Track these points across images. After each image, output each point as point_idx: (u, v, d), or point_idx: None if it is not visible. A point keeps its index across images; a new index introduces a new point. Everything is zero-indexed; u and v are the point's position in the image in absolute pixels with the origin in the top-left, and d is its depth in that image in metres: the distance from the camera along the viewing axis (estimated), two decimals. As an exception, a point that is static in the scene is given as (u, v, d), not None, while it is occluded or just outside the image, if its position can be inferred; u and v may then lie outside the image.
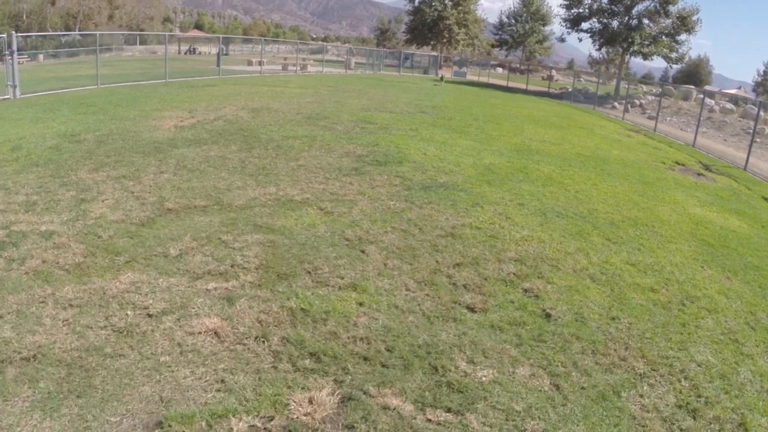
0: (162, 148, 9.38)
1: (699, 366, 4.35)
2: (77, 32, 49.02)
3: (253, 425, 3.32)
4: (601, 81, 38.48)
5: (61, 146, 9.32)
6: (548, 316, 4.80)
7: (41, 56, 38.86)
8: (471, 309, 4.76)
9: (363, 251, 5.77)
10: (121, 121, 11.65)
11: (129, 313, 4.40)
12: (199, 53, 57.47)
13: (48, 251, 5.42)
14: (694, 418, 3.73)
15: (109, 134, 10.33)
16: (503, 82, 44.44)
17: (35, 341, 4.01)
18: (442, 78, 37.27)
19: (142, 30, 63.98)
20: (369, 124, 12.65)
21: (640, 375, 4.13)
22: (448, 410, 3.52)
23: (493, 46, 73.43)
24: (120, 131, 10.63)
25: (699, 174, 13.93)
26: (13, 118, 11.91)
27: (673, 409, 3.79)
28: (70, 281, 4.87)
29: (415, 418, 3.43)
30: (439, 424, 3.40)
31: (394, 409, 3.48)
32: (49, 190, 7.10)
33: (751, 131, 18.86)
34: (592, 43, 43.27)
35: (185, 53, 55.79)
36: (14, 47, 15.21)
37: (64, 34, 44.68)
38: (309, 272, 5.23)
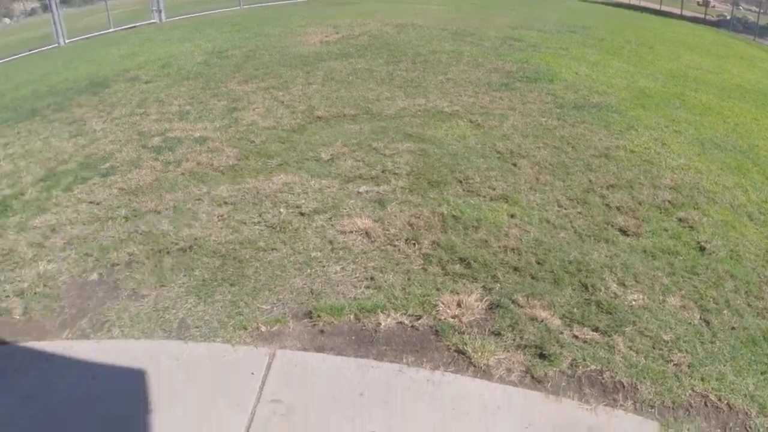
0: (309, 62, 9.57)
1: None
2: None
3: (400, 322, 3.43)
4: (762, 11, 33.98)
5: (210, 61, 9.79)
6: (702, 249, 4.47)
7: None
8: (624, 232, 4.54)
9: (515, 164, 5.66)
10: (266, 38, 11.99)
11: (282, 210, 4.64)
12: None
13: (202, 155, 5.77)
14: None
15: (256, 50, 10.69)
16: (656, 5, 40.77)
17: (191, 234, 4.34)
18: None
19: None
20: (517, 41, 12.09)
21: (797, 325, 3.76)
22: (596, 329, 3.43)
23: (646, -34, 67.29)
24: (266, 47, 10.96)
25: None
26: (161, 39, 12.61)
27: (834, 365, 3.42)
28: (224, 181, 5.19)
29: (561, 333, 3.38)
30: (585, 341, 3.33)
31: (542, 321, 3.44)
32: (201, 101, 7.51)
33: None
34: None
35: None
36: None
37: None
38: (460, 181, 5.22)
